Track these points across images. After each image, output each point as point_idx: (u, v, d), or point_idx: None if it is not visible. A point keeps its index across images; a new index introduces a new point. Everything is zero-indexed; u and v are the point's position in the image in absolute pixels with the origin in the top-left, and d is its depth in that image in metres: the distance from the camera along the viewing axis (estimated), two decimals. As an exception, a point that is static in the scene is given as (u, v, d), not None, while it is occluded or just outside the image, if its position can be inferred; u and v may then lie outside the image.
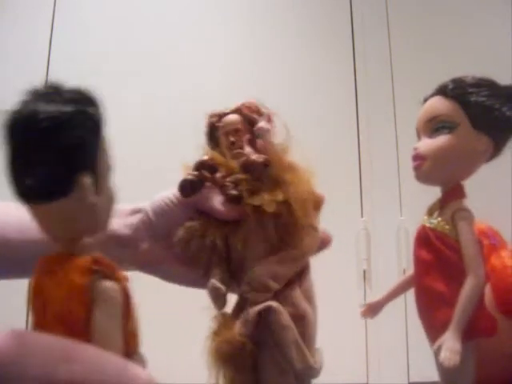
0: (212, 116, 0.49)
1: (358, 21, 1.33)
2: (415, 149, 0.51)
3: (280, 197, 0.44)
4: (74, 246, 0.31)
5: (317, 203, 0.47)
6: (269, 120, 0.46)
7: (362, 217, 1.22)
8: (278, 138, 0.46)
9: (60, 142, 0.28)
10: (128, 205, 0.49)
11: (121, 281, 0.31)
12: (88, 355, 0.27)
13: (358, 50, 1.32)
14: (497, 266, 0.53)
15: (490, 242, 0.54)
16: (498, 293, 0.51)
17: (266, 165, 0.45)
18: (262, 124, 0.45)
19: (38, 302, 0.30)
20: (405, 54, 1.30)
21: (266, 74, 1.29)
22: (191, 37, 1.33)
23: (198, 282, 0.49)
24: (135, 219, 0.48)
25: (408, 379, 1.11)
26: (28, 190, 0.29)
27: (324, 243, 0.49)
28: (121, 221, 0.48)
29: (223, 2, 1.38)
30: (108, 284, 0.30)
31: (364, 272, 1.17)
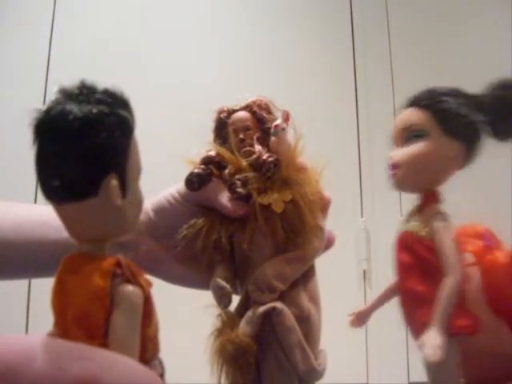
0: (221, 112, 0.48)
1: (358, 23, 1.33)
2: (390, 158, 0.52)
3: (288, 197, 0.44)
4: (98, 248, 0.31)
5: (324, 205, 0.47)
6: (286, 119, 0.45)
7: (362, 217, 1.22)
8: (291, 137, 0.46)
9: (88, 142, 0.28)
10: None
11: (143, 286, 0.30)
12: (103, 355, 0.27)
13: (358, 49, 1.32)
14: (490, 266, 0.54)
15: (484, 244, 0.54)
16: (490, 292, 0.52)
17: (276, 164, 0.44)
18: (278, 122, 0.45)
19: (60, 302, 0.30)
20: (404, 55, 1.30)
21: (266, 75, 1.30)
22: (192, 35, 1.33)
23: (198, 282, 0.48)
24: None
25: (408, 379, 1.11)
26: (54, 190, 0.29)
27: (329, 243, 0.49)
28: None
29: (224, 1, 1.38)
30: (129, 288, 0.29)
31: (364, 272, 1.18)
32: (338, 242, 0.50)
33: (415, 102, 0.53)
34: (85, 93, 0.29)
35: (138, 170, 0.32)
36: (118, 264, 0.30)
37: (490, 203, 1.09)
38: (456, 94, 0.52)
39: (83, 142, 0.28)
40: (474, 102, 0.51)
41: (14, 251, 0.46)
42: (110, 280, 0.29)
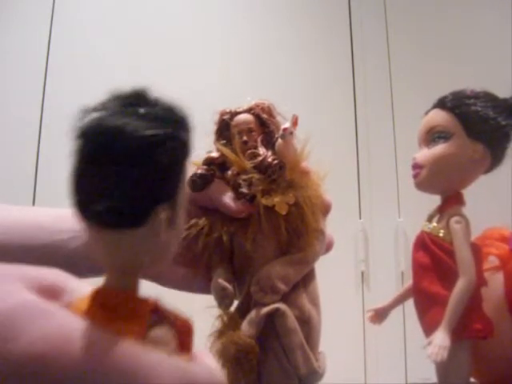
0: (224, 113, 0.48)
1: (357, 26, 1.34)
2: (414, 159, 0.52)
3: (292, 199, 0.44)
4: (129, 280, 0.27)
5: (324, 208, 0.47)
6: (295, 123, 0.46)
7: (360, 218, 1.23)
8: (297, 141, 0.47)
9: (146, 167, 0.24)
10: None
11: (176, 326, 0.28)
12: None
13: (357, 51, 1.33)
14: None
15: (510, 248, 0.54)
16: (511, 296, 0.52)
17: (281, 167, 0.44)
18: (287, 125, 0.45)
19: None
20: (403, 58, 1.31)
21: (264, 78, 1.30)
22: (190, 36, 1.33)
23: (198, 286, 0.48)
24: None
25: (406, 380, 1.11)
26: (100, 214, 0.24)
27: (328, 246, 0.49)
28: None
29: (223, 3, 1.39)
30: (161, 331, 0.27)
31: (362, 274, 1.18)
32: (336, 244, 0.50)
33: (441, 104, 0.52)
34: (143, 105, 0.25)
35: (185, 198, 0.28)
36: (155, 309, 0.27)
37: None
38: (482, 96, 0.51)
39: (141, 166, 0.24)
40: (505, 105, 0.51)
41: (6, 253, 0.45)
42: (146, 325, 0.26)
